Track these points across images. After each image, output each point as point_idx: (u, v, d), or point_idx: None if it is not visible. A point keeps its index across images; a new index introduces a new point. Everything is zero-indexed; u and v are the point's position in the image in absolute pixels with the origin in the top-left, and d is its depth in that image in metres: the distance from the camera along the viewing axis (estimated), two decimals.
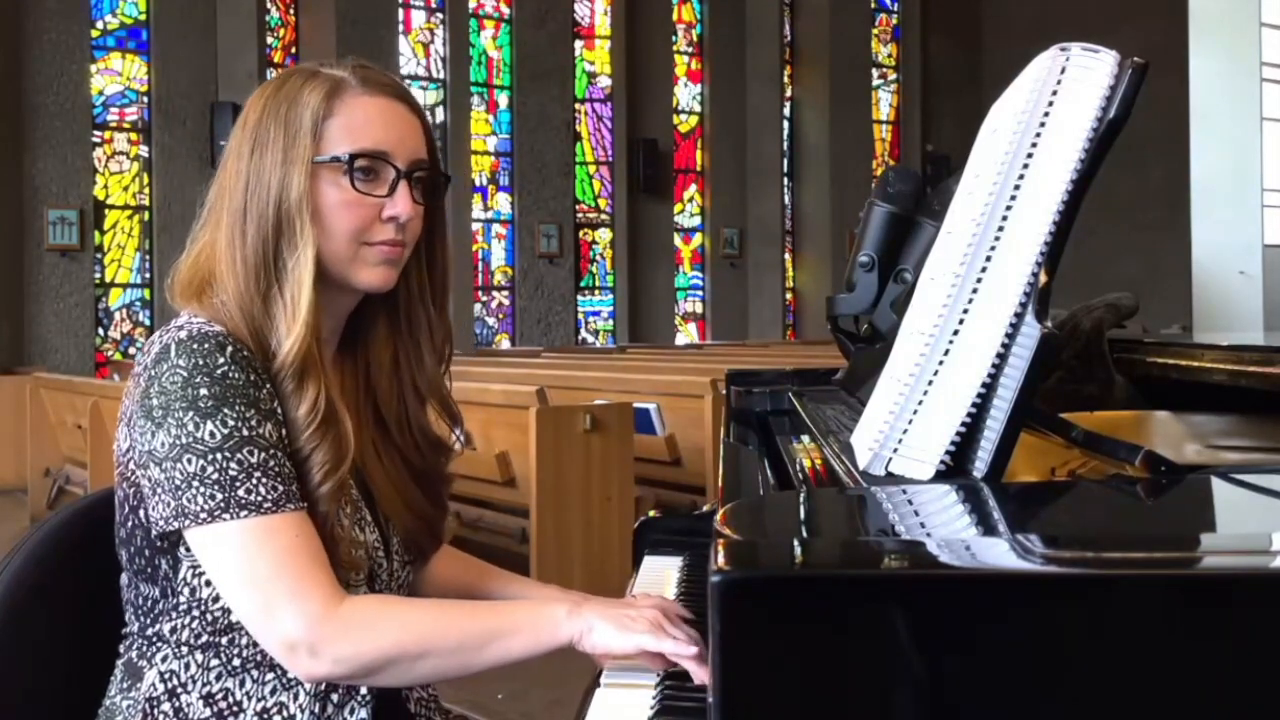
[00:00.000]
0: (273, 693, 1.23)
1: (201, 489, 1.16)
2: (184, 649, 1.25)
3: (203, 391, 1.17)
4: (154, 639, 1.26)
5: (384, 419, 1.36)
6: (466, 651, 1.17)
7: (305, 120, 1.25)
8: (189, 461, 1.17)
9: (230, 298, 1.25)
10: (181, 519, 1.18)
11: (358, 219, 1.26)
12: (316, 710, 1.23)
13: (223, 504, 1.16)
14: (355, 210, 1.26)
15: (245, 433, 1.18)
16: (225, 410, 1.17)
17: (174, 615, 1.25)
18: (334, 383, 1.31)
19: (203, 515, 1.17)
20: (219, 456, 1.17)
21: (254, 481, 1.17)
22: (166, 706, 1.24)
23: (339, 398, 1.28)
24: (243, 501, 1.16)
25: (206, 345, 1.19)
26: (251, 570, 1.17)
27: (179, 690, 1.24)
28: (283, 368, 1.22)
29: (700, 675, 1.09)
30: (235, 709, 1.23)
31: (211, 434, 1.17)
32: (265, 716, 1.23)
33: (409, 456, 1.37)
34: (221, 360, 1.19)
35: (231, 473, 1.17)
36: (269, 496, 1.17)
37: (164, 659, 1.25)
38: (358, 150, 1.25)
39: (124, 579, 1.30)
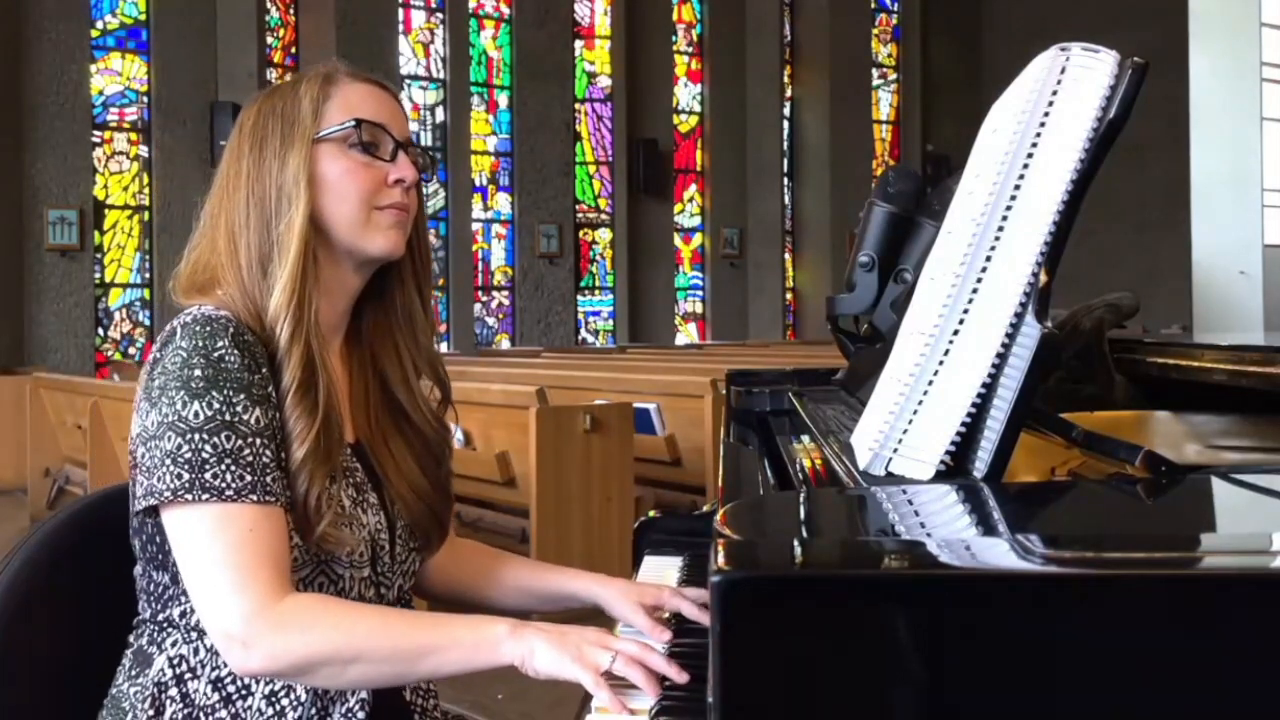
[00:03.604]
0: None
1: (172, 468, 1.19)
2: (194, 634, 1.26)
3: (197, 373, 1.21)
4: (165, 624, 1.28)
5: (402, 407, 1.41)
6: (400, 661, 1.18)
7: (304, 105, 1.33)
8: (169, 439, 1.20)
9: (233, 286, 1.29)
10: (150, 496, 1.20)
11: (367, 182, 1.32)
12: (319, 693, 1.25)
13: (187, 484, 1.18)
14: (364, 174, 1.32)
15: (227, 417, 1.20)
16: (213, 392, 1.20)
17: (184, 600, 1.26)
18: (338, 373, 1.36)
19: (167, 494, 1.19)
20: (196, 437, 1.19)
21: (223, 467, 1.19)
22: (174, 692, 1.25)
23: (338, 380, 1.33)
24: (206, 485, 1.18)
25: (210, 328, 1.23)
26: (202, 556, 1.19)
27: (187, 676, 1.25)
28: (276, 319, 1.26)
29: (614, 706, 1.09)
30: (244, 692, 1.25)
31: (196, 414, 1.20)
32: (273, 699, 1.25)
33: (425, 436, 1.41)
34: (221, 343, 1.22)
35: (204, 455, 1.19)
36: (233, 484, 1.19)
37: (174, 644, 1.27)
38: (361, 118, 1.33)
39: (137, 568, 1.32)
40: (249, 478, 1.20)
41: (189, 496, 1.18)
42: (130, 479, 1.27)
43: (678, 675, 1.10)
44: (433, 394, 1.45)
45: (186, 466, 1.18)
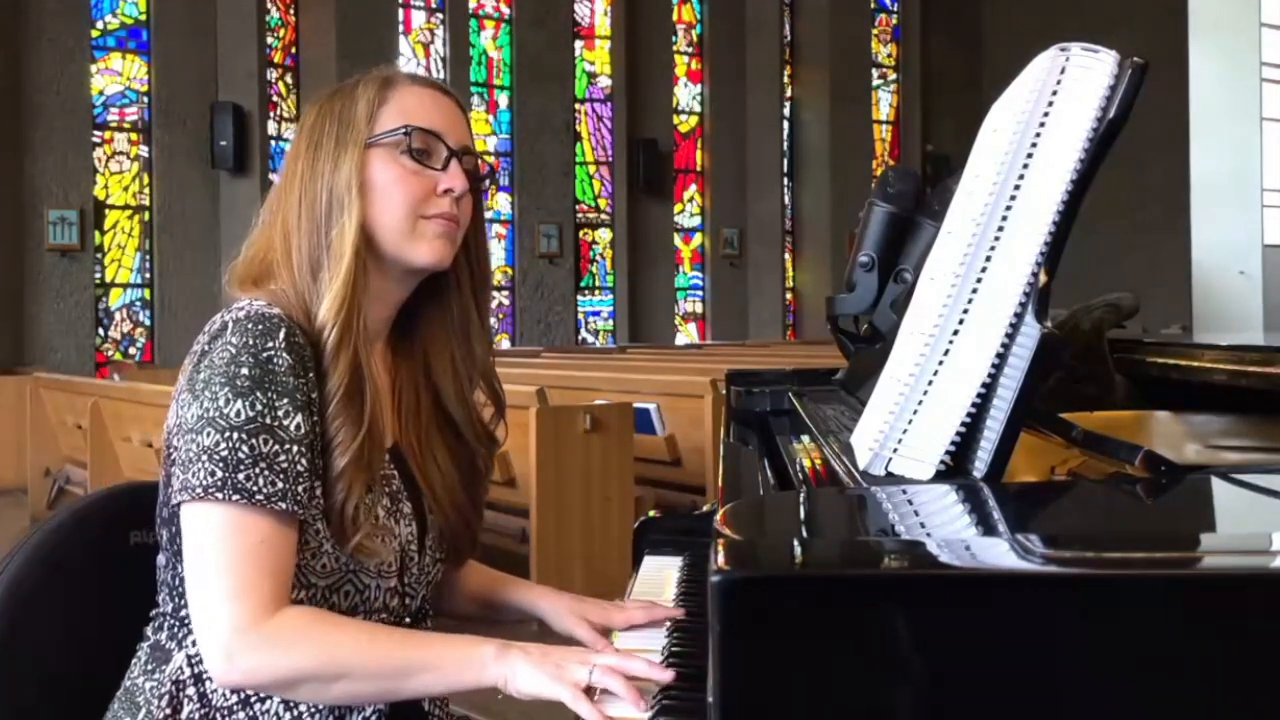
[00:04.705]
0: None
1: (207, 464, 1.18)
2: None
3: (244, 371, 1.20)
4: (186, 620, 1.27)
5: (453, 420, 1.40)
6: (386, 679, 1.17)
7: (360, 109, 1.32)
8: (207, 435, 1.19)
9: (286, 284, 1.29)
10: (184, 491, 1.19)
11: (416, 190, 1.30)
12: None
13: (219, 483, 1.17)
14: (412, 182, 1.30)
15: (268, 420, 1.19)
16: (258, 393, 1.19)
17: None
18: (381, 374, 1.36)
19: (198, 490, 1.18)
20: (235, 436, 1.18)
21: (256, 470, 1.18)
22: (191, 691, 1.24)
23: (380, 384, 1.32)
24: (237, 485, 1.17)
25: (261, 326, 1.22)
26: (209, 557, 1.18)
27: (205, 675, 1.24)
28: (324, 327, 1.25)
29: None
30: (262, 694, 1.24)
31: (237, 413, 1.19)
32: (291, 703, 1.24)
33: (473, 451, 1.41)
34: (271, 344, 1.21)
35: (240, 455, 1.18)
36: (263, 489, 1.18)
37: (194, 642, 1.25)
38: (414, 125, 1.31)
39: (161, 559, 1.31)
40: (280, 484, 1.19)
41: (219, 495, 1.17)
42: (164, 469, 1.27)
43: (660, 676, 1.10)
44: (485, 407, 1.43)
45: (221, 464, 1.18)
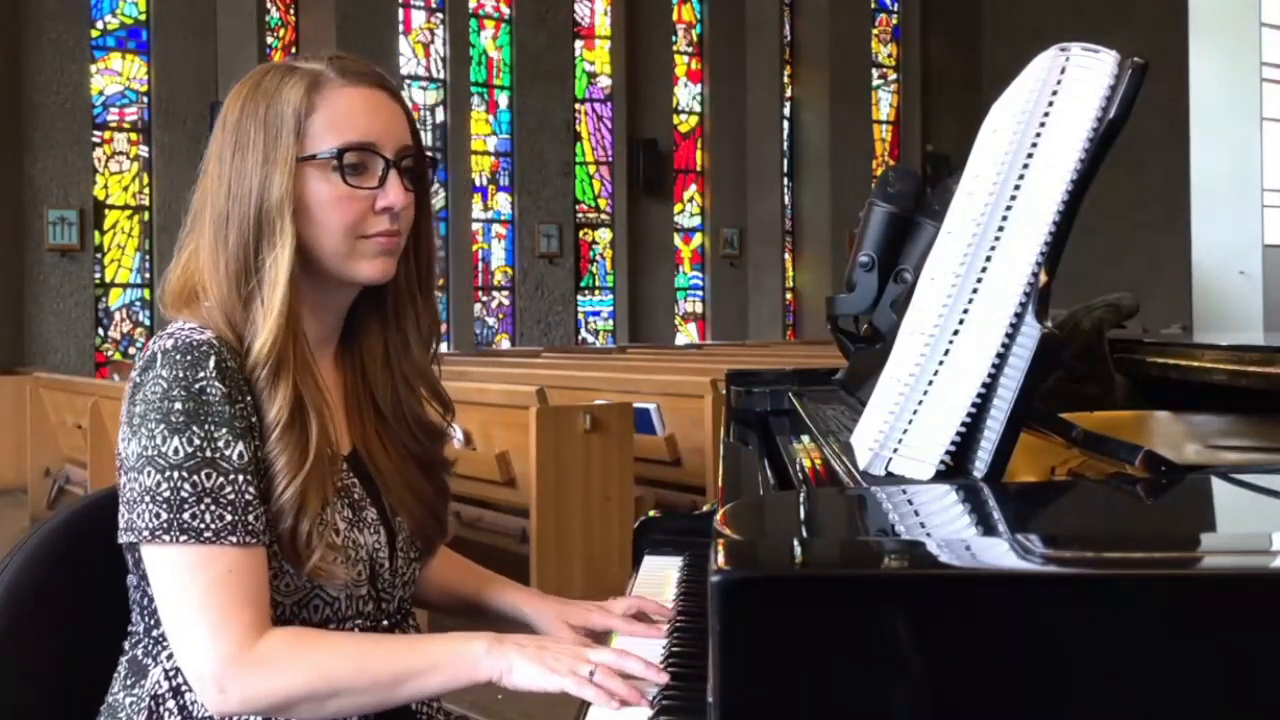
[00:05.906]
0: None
1: (151, 505, 1.16)
2: None
3: (177, 406, 1.17)
4: (160, 639, 1.26)
5: (382, 411, 1.36)
6: (381, 689, 1.16)
7: (287, 118, 1.23)
8: (148, 475, 1.16)
9: (215, 304, 1.24)
10: (129, 532, 1.18)
11: (351, 213, 1.24)
12: None
13: (165, 524, 1.16)
14: (347, 205, 1.24)
15: (208, 453, 1.17)
16: (194, 428, 1.16)
17: None
18: (332, 381, 1.32)
19: (145, 533, 1.16)
20: (176, 475, 1.16)
21: (202, 507, 1.16)
22: (171, 704, 1.23)
23: (332, 397, 1.29)
24: (185, 526, 1.15)
25: (190, 357, 1.18)
26: (178, 597, 1.17)
27: (184, 688, 1.23)
28: (256, 365, 1.21)
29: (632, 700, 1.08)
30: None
31: (175, 450, 1.16)
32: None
33: (409, 445, 1.37)
34: (202, 374, 1.18)
35: (183, 494, 1.16)
36: (212, 525, 1.16)
37: (169, 657, 1.24)
38: (345, 144, 1.23)
39: (130, 579, 1.30)
40: (229, 517, 1.16)
41: (166, 537, 1.15)
42: (120, 493, 1.25)
43: (657, 677, 1.10)
44: (430, 406, 1.39)
45: (165, 505, 1.15)
